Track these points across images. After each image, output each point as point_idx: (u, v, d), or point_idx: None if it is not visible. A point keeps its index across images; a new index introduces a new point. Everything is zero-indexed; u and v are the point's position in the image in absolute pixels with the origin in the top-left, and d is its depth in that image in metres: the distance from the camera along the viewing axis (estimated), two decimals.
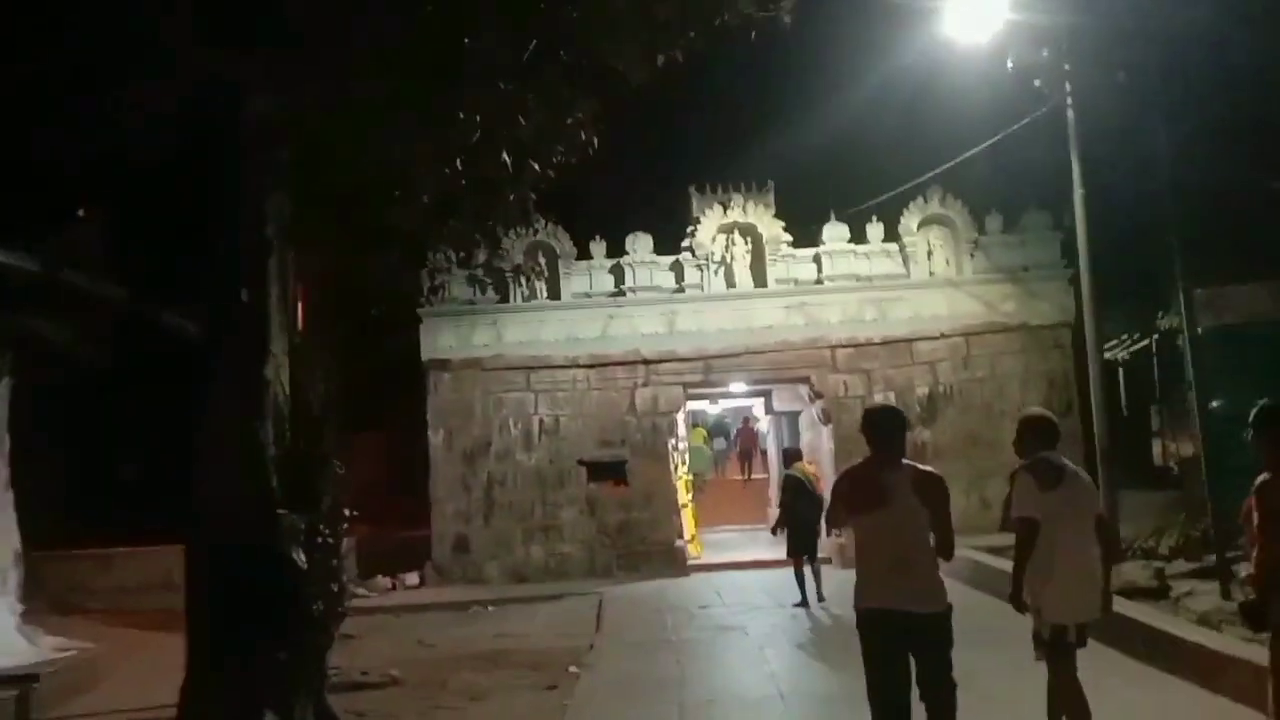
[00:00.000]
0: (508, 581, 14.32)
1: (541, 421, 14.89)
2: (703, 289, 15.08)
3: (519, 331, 14.93)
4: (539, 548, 14.68)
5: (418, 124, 6.55)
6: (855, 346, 14.87)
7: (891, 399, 14.68)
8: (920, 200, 14.96)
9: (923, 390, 14.71)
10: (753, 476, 22.31)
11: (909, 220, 15.03)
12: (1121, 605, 8.15)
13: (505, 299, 14.66)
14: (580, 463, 14.79)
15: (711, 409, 21.55)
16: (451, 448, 14.81)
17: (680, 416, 15.75)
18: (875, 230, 15.12)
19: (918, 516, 4.54)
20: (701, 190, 15.39)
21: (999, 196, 14.92)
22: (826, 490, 12.17)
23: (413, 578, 14.52)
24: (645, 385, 14.93)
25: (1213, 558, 8.92)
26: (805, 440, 16.14)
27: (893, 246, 15.15)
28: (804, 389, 15.44)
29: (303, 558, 5.93)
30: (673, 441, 15.27)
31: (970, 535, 10.96)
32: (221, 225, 6.69)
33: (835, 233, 15.14)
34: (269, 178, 6.88)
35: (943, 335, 14.90)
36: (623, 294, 15.02)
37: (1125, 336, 15.01)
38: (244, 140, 6.71)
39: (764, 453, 21.50)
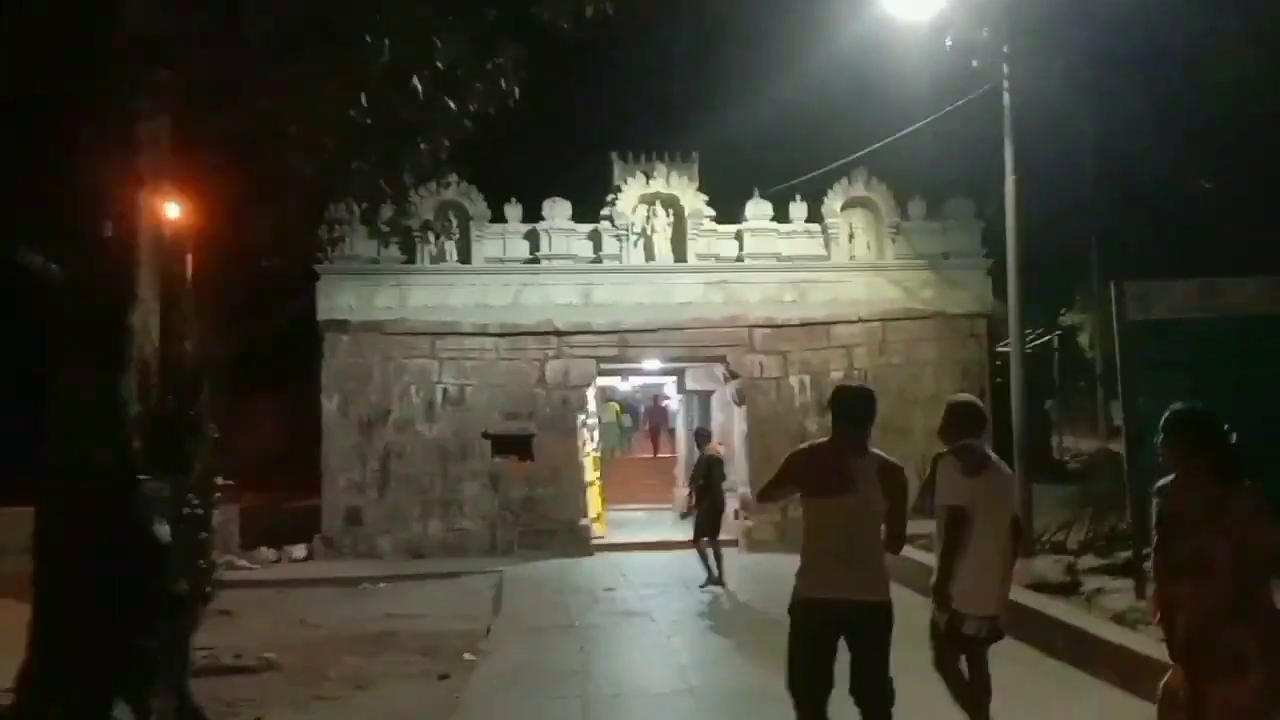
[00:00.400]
0: (402, 558, 13.64)
1: (445, 391, 14.23)
2: (621, 260, 14.58)
3: (425, 295, 14.21)
4: (437, 523, 14.04)
5: (319, 48, 5.87)
6: (773, 327, 14.58)
7: (807, 382, 14.50)
8: (845, 181, 14.73)
9: (838, 374, 14.44)
10: (660, 455, 22.06)
11: (832, 202, 14.80)
12: (1036, 601, 8.06)
13: (411, 260, 13.93)
14: (485, 435, 14.19)
15: (622, 385, 21.09)
16: (347, 415, 14.03)
17: (591, 391, 15.28)
18: (798, 210, 14.85)
19: (875, 506, 4.28)
20: (624, 158, 14.90)
21: (925, 181, 14.76)
22: (731, 470, 11.99)
23: (300, 550, 13.75)
24: (557, 357, 14.38)
25: (1122, 554, 8.88)
26: (717, 421, 15.86)
27: (815, 227, 14.90)
28: (719, 369, 15.12)
29: (165, 529, 5.27)
30: (583, 417, 14.79)
31: None
32: (90, 149, 5.94)
33: (758, 210, 14.82)
34: (147, 101, 6.14)
35: (860, 320, 14.72)
36: (537, 261, 14.44)
37: (1029, 331, 15.03)
38: (118, 56, 5.96)
39: (672, 431, 21.23)
